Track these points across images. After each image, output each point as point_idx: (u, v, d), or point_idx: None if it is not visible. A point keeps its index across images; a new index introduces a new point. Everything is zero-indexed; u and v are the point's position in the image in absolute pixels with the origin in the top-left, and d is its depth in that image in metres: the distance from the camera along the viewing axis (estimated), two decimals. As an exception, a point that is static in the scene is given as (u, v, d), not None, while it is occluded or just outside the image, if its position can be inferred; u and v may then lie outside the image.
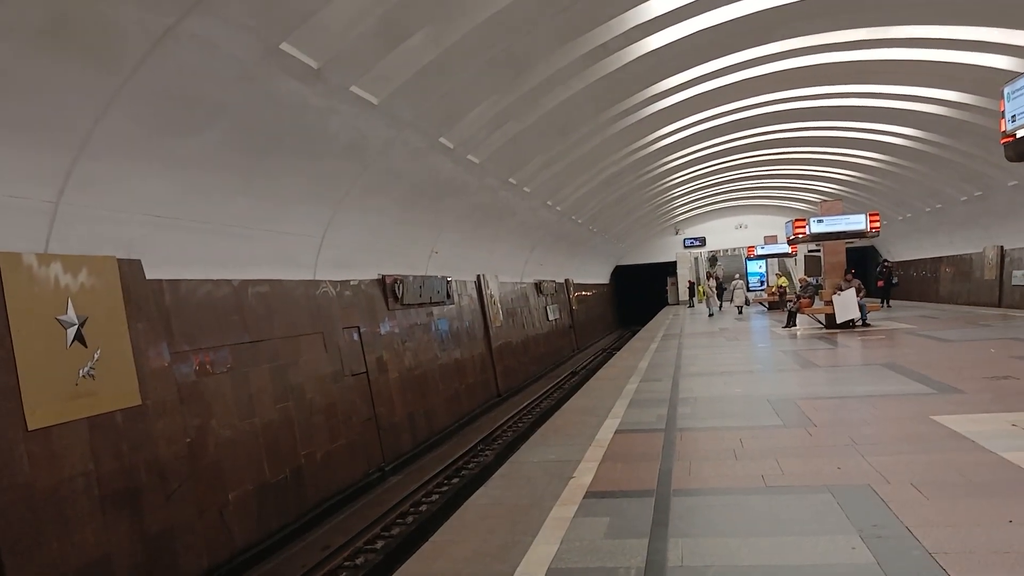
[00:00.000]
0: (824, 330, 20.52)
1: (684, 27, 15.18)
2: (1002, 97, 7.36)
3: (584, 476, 6.57)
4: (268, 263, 11.52)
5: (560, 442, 8.17)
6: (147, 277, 9.00)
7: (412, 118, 12.54)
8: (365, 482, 13.13)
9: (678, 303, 49.75)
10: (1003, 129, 7.36)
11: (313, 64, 9.52)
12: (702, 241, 49.94)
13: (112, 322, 8.37)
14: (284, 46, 8.86)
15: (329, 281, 13.34)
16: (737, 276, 36.09)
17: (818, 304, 21.63)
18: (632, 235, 46.55)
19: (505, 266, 24.89)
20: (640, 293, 53.35)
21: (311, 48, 9.32)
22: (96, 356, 8.04)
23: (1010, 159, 7.46)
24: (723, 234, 49.56)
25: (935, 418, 8.02)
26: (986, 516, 4.92)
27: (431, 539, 5.24)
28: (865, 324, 20.37)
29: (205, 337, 9.89)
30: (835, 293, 20.45)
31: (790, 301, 23.61)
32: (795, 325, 21.85)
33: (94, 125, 7.60)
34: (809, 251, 37.79)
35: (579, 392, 12.90)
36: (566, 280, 36.30)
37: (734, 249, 49.42)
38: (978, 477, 5.81)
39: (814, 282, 24.17)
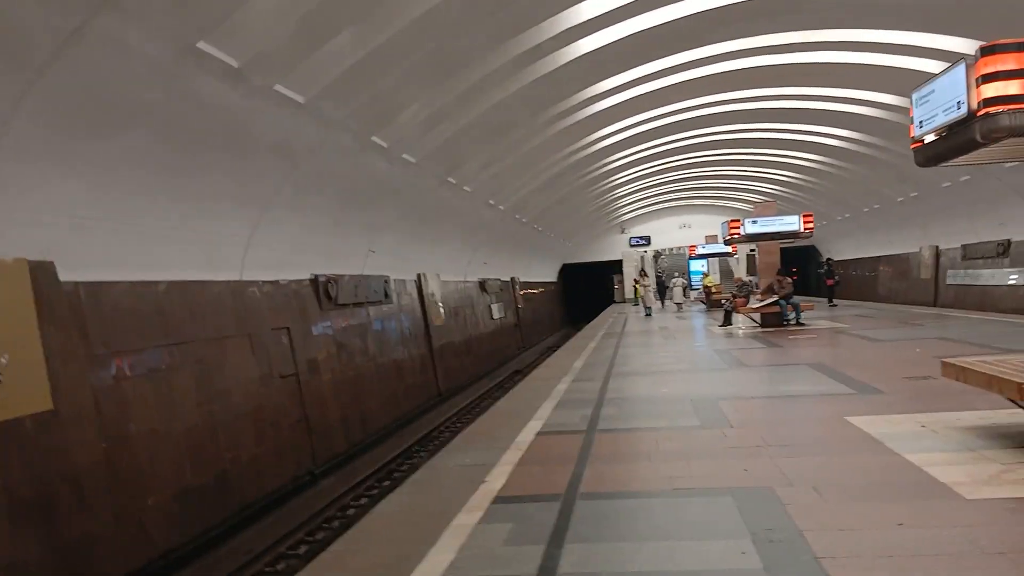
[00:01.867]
0: (759, 329, 20.81)
1: (618, 30, 15.26)
2: (911, 103, 7.52)
3: (496, 481, 6.55)
4: (193, 264, 11.30)
5: (480, 446, 8.15)
6: (64, 280, 8.78)
7: (342, 117, 12.42)
8: (295, 485, 12.98)
9: (624, 301, 50.12)
10: (912, 135, 7.51)
11: (234, 63, 9.37)
12: (647, 240, 50.42)
13: (21, 326, 8.13)
14: (202, 45, 8.70)
15: (258, 282, 13.15)
16: (677, 275, 36.47)
17: (753, 303, 21.95)
18: (578, 234, 46.80)
19: (447, 265, 24.81)
20: (587, 291, 53.75)
21: (231, 47, 9.16)
22: (3, 361, 7.81)
23: (919, 164, 7.61)
24: (668, 233, 50.13)
25: (849, 419, 8.15)
26: (879, 519, 5.01)
27: (330, 548, 5.18)
28: (799, 323, 20.72)
29: (125, 340, 9.67)
30: (769, 291, 20.77)
31: (725, 300, 23.92)
32: (731, 324, 22.14)
33: (1, 127, 7.38)
34: (751, 251, 38.45)
35: (509, 393, 12.91)
36: (512, 279, 36.34)
37: (679, 248, 49.95)
38: (879, 479, 5.92)
39: (750, 281, 24.52)
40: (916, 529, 4.77)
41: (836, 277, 34.74)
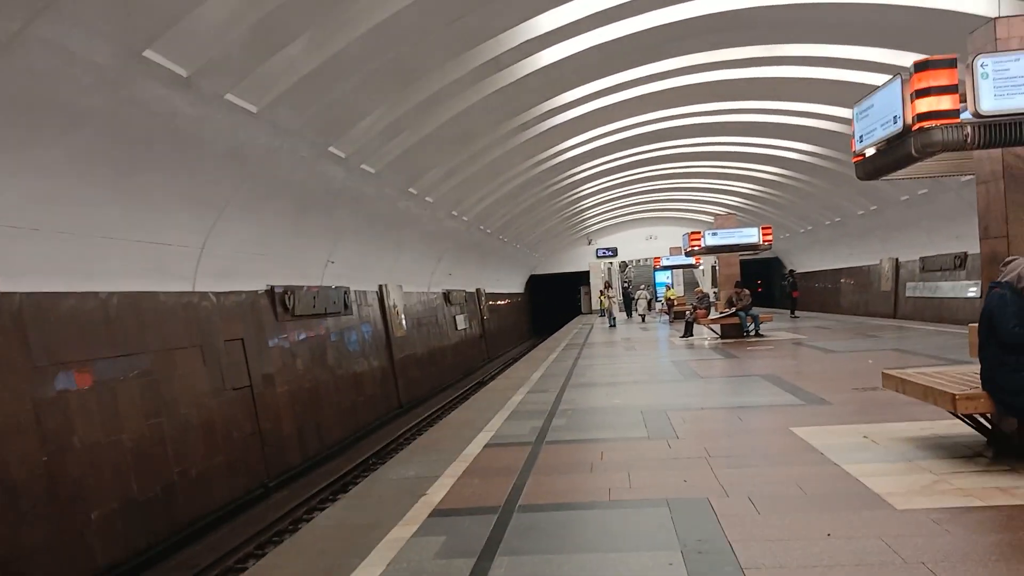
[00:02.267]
0: (720, 340, 20.95)
1: (577, 42, 15.35)
2: (852, 117, 7.61)
3: (436, 493, 6.51)
4: (143, 274, 11.14)
5: (426, 458, 8.10)
6: (5, 291, 8.63)
7: (297, 126, 12.35)
8: (247, 498, 12.83)
9: (591, 312, 50.26)
10: (853, 148, 7.60)
11: (182, 72, 9.28)
12: (614, 251, 50.66)
13: (-43, 336, 7.99)
14: (148, 53, 8.61)
15: (211, 292, 13.00)
16: (641, 287, 36.70)
17: (714, 315, 22.11)
18: (545, 245, 46.90)
19: (410, 276, 24.72)
20: (555, 302, 53.95)
21: (179, 55, 9.07)
22: (-63, 372, 7.65)
23: (860, 178, 7.70)
24: (635, 244, 50.40)
25: (794, 430, 8.20)
26: (808, 530, 5.03)
27: (259, 562, 5.10)
28: (758, 335, 20.88)
29: (68, 351, 9.51)
30: (726, 305, 20.93)
31: (687, 311, 24.07)
32: (692, 335, 22.26)
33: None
34: (715, 264, 38.78)
35: (464, 405, 12.87)
36: (477, 289, 36.30)
37: (645, 260, 50.25)
38: (814, 490, 5.96)
39: (710, 294, 24.70)
40: (843, 540, 4.79)
41: (798, 289, 35.13)
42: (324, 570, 4.83)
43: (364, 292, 20.31)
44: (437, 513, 5.94)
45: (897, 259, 31.44)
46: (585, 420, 9.88)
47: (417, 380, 23.97)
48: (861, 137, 7.35)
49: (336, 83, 11.91)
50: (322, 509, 12.27)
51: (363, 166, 15.60)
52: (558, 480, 6.81)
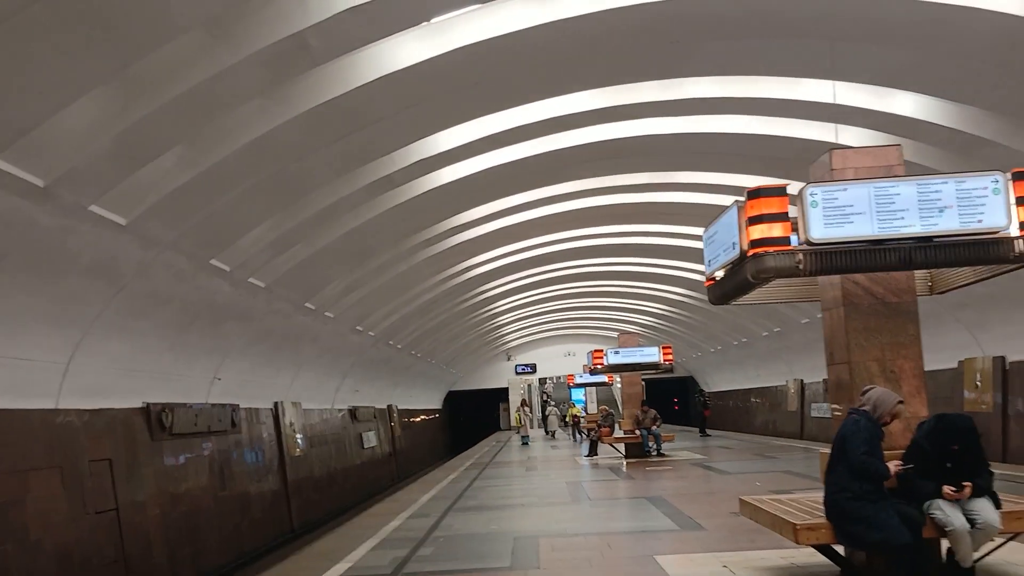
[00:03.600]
0: (623, 458, 20.75)
1: (474, 163, 15.53)
2: (703, 244, 7.71)
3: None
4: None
5: (268, 592, 7.58)
6: None
7: (173, 239, 12.01)
8: (102, 634, 11.85)
9: (510, 428, 49.71)
10: (705, 273, 7.68)
11: (38, 182, 8.96)
12: (533, 368, 50.66)
13: None
14: (-2, 162, 8.32)
15: (76, 410, 12.30)
16: (552, 404, 36.64)
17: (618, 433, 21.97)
18: (462, 361, 46.60)
19: (311, 392, 24.01)
20: (473, 418, 53.38)
21: (35, 164, 8.78)
22: None
23: (712, 303, 7.74)
24: (553, 361, 50.49)
25: (658, 558, 7.98)
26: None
27: None
28: (660, 454, 20.76)
29: None
30: (633, 424, 20.85)
31: (589, 430, 23.91)
32: (596, 454, 22.02)
33: None
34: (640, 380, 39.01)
35: (337, 531, 12.29)
36: (389, 406, 35.55)
37: (562, 377, 50.27)
38: (652, 627, 5.69)
39: (612, 414, 24.65)
40: None
41: (709, 408, 35.42)
42: None
43: (256, 410, 19.58)
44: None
45: (802, 380, 32.03)
46: (454, 549, 9.48)
47: (314, 502, 22.99)
48: (709, 262, 7.44)
49: (216, 196, 11.68)
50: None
51: (251, 280, 15.26)
52: (394, 619, 6.40)
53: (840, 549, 6.71)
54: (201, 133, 10.32)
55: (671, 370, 23.24)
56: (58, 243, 10.11)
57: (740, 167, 17.22)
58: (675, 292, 32.32)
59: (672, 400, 49.84)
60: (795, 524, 6.01)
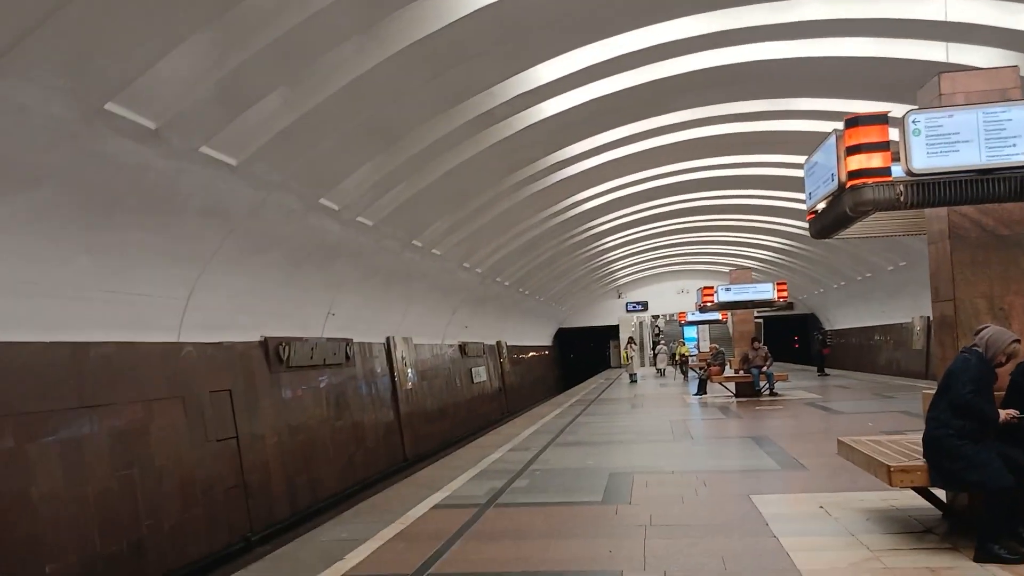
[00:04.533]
0: (733, 398, 20.44)
1: (575, 96, 15.28)
2: (804, 175, 7.38)
3: (354, 559, 6.28)
4: (118, 325, 11.13)
5: (367, 519, 7.88)
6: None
7: (281, 180, 12.36)
8: (226, 552, 12.64)
9: (620, 366, 49.70)
10: (807, 206, 7.35)
11: (150, 125, 9.35)
12: (644, 305, 50.11)
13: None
14: (111, 106, 8.69)
15: (196, 343, 12.97)
16: (662, 342, 36.22)
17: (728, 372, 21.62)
18: (572, 298, 46.57)
19: (421, 328, 24.57)
20: (583, 356, 53.51)
21: (146, 109, 9.13)
22: None
23: (813, 236, 7.43)
24: (665, 298, 49.74)
25: (753, 497, 7.87)
26: (710, 610, 4.74)
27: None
28: (773, 393, 20.33)
29: (26, 403, 9.48)
30: (741, 363, 20.45)
31: (699, 368, 23.59)
32: (705, 393, 21.75)
33: None
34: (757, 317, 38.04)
35: (439, 462, 12.62)
36: (497, 342, 36.05)
37: (674, 314, 49.63)
38: (736, 565, 5.65)
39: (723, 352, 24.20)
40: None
41: (829, 346, 34.27)
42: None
43: (369, 344, 20.20)
44: (341, 580, 5.73)
45: (928, 317, 30.57)
46: (548, 482, 9.58)
47: (426, 434, 23.70)
48: (810, 194, 7.13)
49: (318, 138, 11.93)
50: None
51: (359, 219, 15.62)
52: (484, 547, 6.54)
53: (941, 494, 6.47)
54: (300, 76, 10.49)
55: (789, 307, 22.49)
56: (171, 185, 10.55)
57: (856, 92, 16.29)
58: (793, 225, 31.15)
59: (792, 338, 48.53)
60: (889, 466, 5.80)
